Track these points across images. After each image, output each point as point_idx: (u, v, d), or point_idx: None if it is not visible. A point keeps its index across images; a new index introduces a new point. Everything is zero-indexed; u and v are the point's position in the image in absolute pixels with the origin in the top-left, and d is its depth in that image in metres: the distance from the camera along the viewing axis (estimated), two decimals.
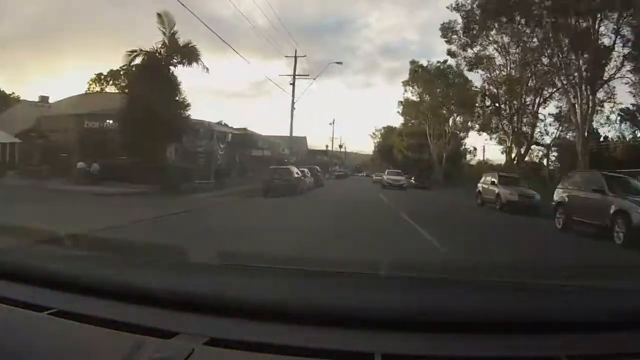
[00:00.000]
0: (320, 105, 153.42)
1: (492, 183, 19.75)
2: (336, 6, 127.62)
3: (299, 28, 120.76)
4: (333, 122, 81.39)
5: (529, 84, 30.63)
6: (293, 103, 31.55)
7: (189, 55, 21.67)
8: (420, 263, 5.86)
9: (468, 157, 51.79)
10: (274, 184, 20.25)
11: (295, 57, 31.30)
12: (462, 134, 45.57)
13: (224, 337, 1.13)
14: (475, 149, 50.96)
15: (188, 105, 21.69)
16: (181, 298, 1.33)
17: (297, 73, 31.64)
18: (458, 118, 43.36)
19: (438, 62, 38.99)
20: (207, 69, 22.33)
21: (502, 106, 33.31)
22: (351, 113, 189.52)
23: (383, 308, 1.31)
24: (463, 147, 49.54)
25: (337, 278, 1.94)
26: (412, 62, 44.19)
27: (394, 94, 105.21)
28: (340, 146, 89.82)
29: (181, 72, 24.45)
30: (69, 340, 1.16)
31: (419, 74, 42.65)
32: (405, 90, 46.43)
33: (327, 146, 77.13)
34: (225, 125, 37.78)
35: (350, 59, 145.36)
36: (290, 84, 31.62)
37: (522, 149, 32.00)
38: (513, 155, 32.34)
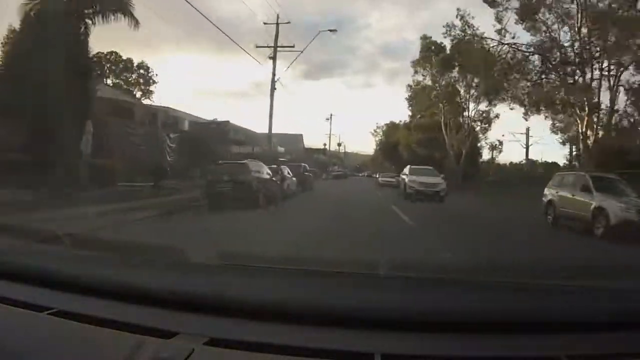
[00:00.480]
0: (319, 105, 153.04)
1: (583, 188, 12.07)
2: (336, 6, 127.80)
3: (298, 27, 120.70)
4: (330, 117, 69.31)
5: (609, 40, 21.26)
6: (274, 82, 26.05)
7: (112, 3, 15.32)
8: (420, 263, 5.86)
9: (494, 153, 42.70)
10: (218, 190, 13.54)
11: (277, 23, 25.85)
12: (485, 126, 36.91)
13: (224, 337, 1.14)
14: (501, 143, 41.94)
15: (97, 73, 15.91)
16: (181, 298, 1.33)
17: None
18: (481, 106, 34.14)
19: (456, 36, 27.97)
20: (138, 22, 16.19)
21: (576, 70, 23.27)
22: (351, 113, 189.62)
23: (383, 308, 1.30)
24: (482, 141, 40.32)
25: (337, 278, 1.94)
26: (424, 38, 34.68)
27: (394, 94, 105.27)
28: (339, 144, 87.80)
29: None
30: (69, 340, 1.16)
31: (431, 52, 33.53)
32: (416, 72, 36.92)
33: (324, 144, 73.24)
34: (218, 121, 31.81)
35: (350, 58, 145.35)
36: (270, 57, 25.88)
37: (598, 134, 22.17)
38: (588, 144, 22.20)
